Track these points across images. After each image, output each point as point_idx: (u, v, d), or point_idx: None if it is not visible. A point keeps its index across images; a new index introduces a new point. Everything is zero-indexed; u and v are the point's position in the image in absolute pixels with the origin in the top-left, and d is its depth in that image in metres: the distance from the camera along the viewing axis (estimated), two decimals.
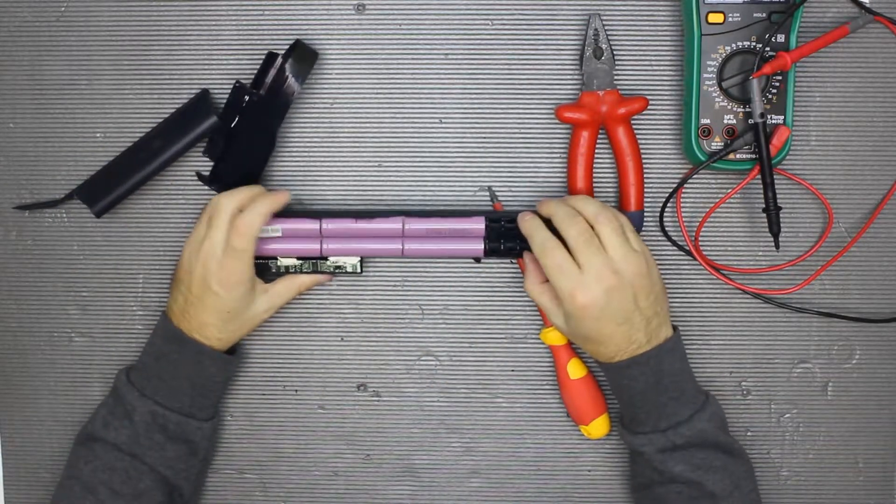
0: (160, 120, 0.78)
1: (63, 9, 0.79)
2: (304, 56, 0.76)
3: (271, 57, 0.76)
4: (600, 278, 0.69)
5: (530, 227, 0.74)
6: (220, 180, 0.77)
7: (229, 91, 0.77)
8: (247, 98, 0.76)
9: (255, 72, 0.77)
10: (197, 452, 0.77)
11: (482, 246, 0.76)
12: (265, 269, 0.77)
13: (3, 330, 0.82)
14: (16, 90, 0.80)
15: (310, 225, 0.76)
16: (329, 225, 0.76)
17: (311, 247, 0.76)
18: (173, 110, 0.78)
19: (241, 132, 0.76)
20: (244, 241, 0.72)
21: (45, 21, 0.79)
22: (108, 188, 0.77)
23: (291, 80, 0.75)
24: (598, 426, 0.79)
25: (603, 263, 0.70)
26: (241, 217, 0.72)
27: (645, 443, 0.73)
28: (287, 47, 0.76)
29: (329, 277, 0.79)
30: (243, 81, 0.77)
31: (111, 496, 0.74)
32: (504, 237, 0.76)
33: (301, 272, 0.77)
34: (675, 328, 0.75)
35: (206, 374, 0.75)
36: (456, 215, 0.77)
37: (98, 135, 0.80)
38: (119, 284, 0.81)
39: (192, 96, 0.78)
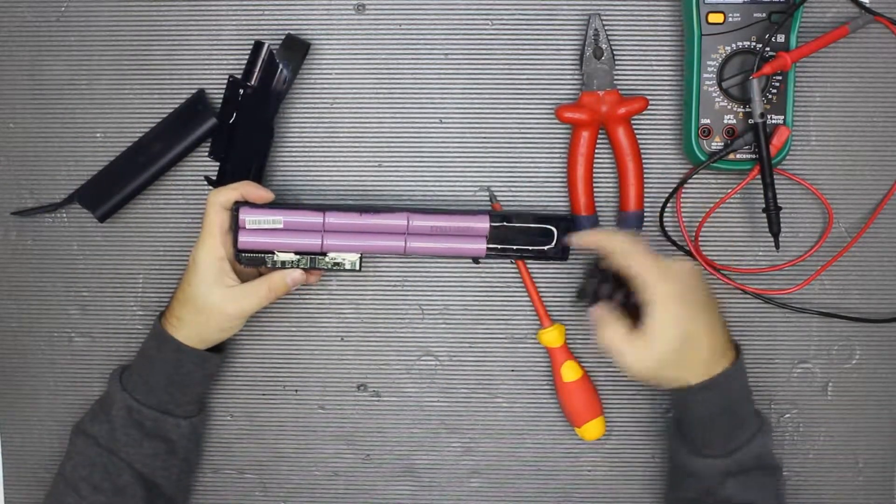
0: (160, 120, 0.78)
1: (63, 9, 0.79)
2: (292, 45, 0.76)
3: (258, 46, 0.76)
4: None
5: (601, 236, 0.71)
6: (227, 181, 0.77)
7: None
8: (241, 91, 0.76)
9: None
10: (176, 451, 0.76)
11: (484, 245, 0.75)
12: (260, 262, 0.74)
13: (3, 330, 0.82)
14: (16, 90, 0.80)
15: (312, 218, 0.73)
16: (332, 219, 0.73)
17: (312, 241, 0.73)
18: (172, 110, 0.78)
19: (240, 127, 0.76)
20: (208, 209, 0.72)
21: (45, 21, 0.79)
22: (110, 192, 0.77)
23: (282, 69, 0.76)
24: (592, 429, 0.79)
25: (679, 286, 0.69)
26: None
27: (706, 466, 0.71)
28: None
29: (303, 276, 0.74)
30: (237, 76, 0.77)
31: (92, 492, 0.73)
32: (506, 239, 0.75)
33: (297, 268, 0.74)
34: (737, 348, 0.73)
35: (182, 370, 0.74)
36: (458, 214, 0.76)
37: (98, 135, 0.80)
38: (119, 284, 0.81)
39: (189, 96, 0.78)
